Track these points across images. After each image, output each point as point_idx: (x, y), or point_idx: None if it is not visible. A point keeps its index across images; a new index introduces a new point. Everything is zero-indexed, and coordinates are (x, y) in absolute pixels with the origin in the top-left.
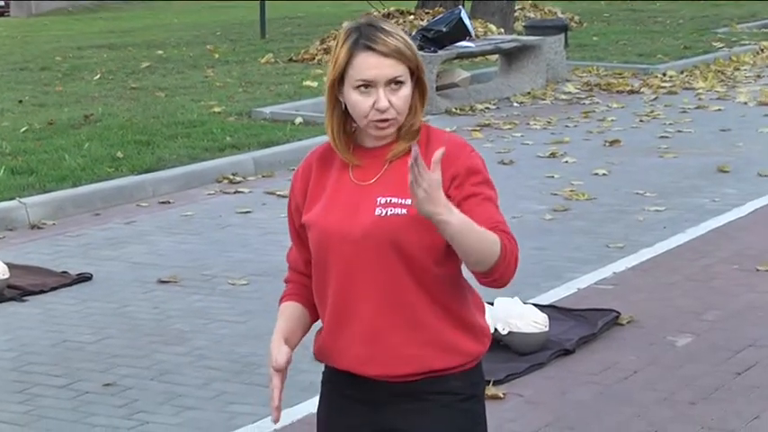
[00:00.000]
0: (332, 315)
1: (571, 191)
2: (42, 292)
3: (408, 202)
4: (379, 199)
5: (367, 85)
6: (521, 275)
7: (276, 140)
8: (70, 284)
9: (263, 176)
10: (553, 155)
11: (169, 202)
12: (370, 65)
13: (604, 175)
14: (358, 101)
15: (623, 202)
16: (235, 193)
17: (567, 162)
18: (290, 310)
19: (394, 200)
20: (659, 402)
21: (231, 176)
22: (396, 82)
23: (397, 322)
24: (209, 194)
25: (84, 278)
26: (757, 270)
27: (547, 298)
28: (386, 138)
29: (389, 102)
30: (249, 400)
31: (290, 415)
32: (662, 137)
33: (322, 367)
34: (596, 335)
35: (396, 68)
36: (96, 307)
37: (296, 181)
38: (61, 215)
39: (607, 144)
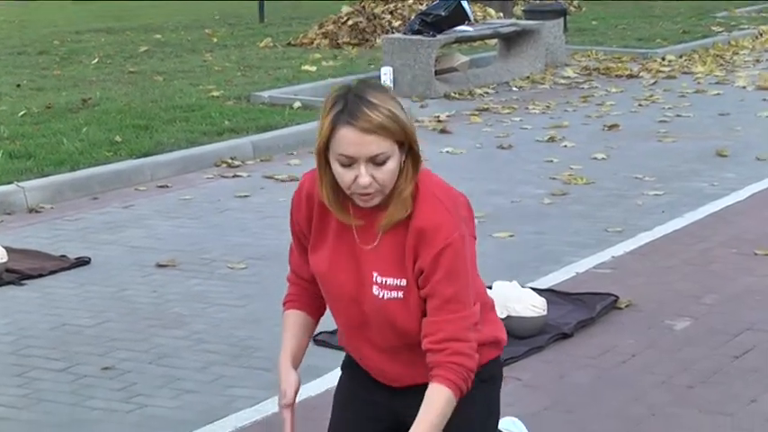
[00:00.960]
0: (344, 336)
1: (570, 175)
2: (41, 275)
3: (404, 282)
4: (375, 276)
5: (349, 159)
6: (519, 259)
7: (275, 124)
8: (68, 268)
9: (262, 160)
10: (552, 139)
11: (167, 186)
12: (350, 141)
13: (603, 159)
14: (339, 173)
15: (622, 186)
16: (233, 177)
17: (565, 146)
18: (294, 320)
19: (389, 281)
20: (657, 386)
21: (230, 160)
22: (379, 159)
23: (398, 368)
24: (208, 178)
25: (82, 262)
26: (755, 254)
27: (545, 282)
28: (373, 203)
29: (372, 176)
30: (248, 384)
31: None
32: (661, 121)
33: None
34: (594, 319)
35: (379, 145)
36: (95, 291)
37: (298, 207)
38: (59, 199)
39: (606, 128)
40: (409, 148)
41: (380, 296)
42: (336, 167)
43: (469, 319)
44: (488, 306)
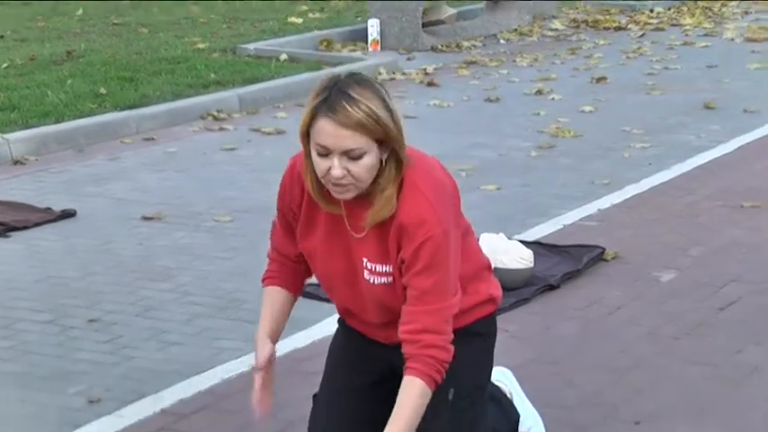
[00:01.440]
0: (339, 309)
1: (557, 128)
2: (26, 228)
3: (390, 269)
4: (365, 262)
5: (325, 149)
6: (507, 212)
7: (261, 77)
8: (54, 221)
9: (248, 113)
10: (539, 92)
11: (153, 139)
12: (327, 132)
13: (590, 112)
14: (316, 161)
15: (609, 139)
16: (219, 129)
17: (553, 99)
18: (274, 297)
19: (378, 267)
20: (643, 337)
21: (216, 113)
22: (354, 153)
23: (394, 335)
24: (194, 131)
25: (67, 214)
26: (742, 206)
27: (532, 234)
28: (347, 196)
29: (347, 169)
30: (233, 336)
31: (277, 349)
32: (649, 74)
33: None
34: (581, 271)
35: (355, 140)
36: (80, 243)
37: (289, 188)
38: (44, 151)
39: (594, 81)
40: (393, 150)
41: (371, 281)
42: (314, 155)
43: (446, 312)
44: (485, 266)
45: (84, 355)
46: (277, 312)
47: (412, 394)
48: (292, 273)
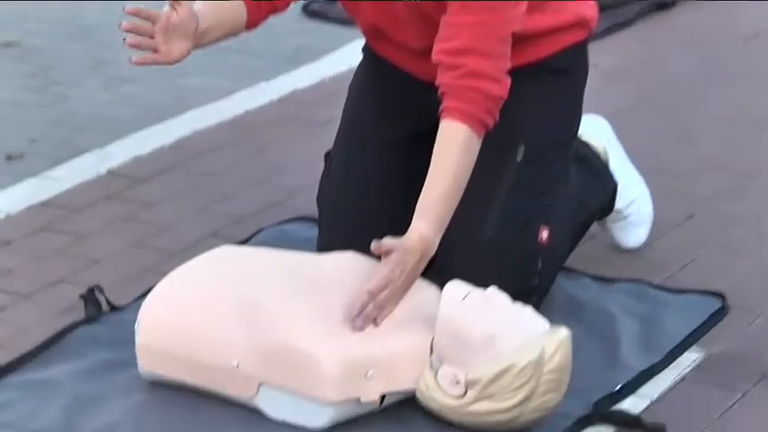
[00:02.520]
0: (369, 39)
1: None
2: None
3: None
4: None
5: None
6: None
7: None
8: None
9: None
10: None
11: None
12: None
13: None
14: None
15: None
16: None
17: None
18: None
19: None
20: None
21: None
22: None
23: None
24: None
25: None
26: None
27: None
28: None
29: None
30: (209, 71)
31: (269, 91)
32: None
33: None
34: None
35: None
36: None
37: None
38: None
39: None
40: None
41: None
42: None
43: (501, 27)
44: None
45: (1, 94)
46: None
47: (453, 143)
48: None
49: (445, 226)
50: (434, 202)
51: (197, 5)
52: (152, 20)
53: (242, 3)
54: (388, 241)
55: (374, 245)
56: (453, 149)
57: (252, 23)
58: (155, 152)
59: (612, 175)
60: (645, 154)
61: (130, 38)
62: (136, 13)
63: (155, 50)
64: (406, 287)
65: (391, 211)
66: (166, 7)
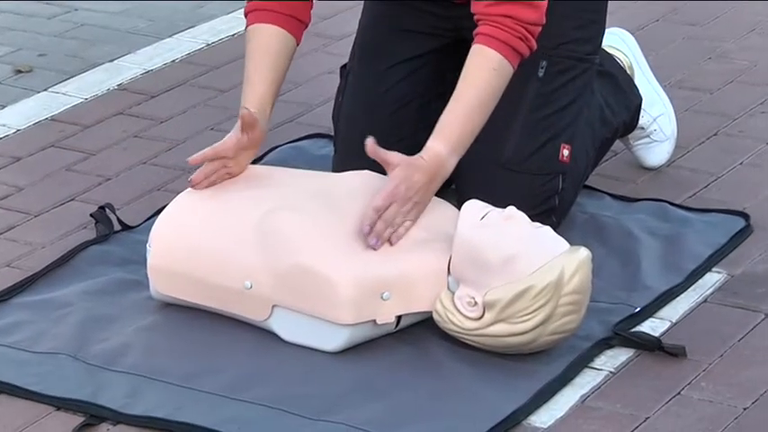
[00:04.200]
0: None
1: None
2: None
3: None
4: None
5: None
6: None
7: None
8: None
9: None
10: None
11: None
12: None
13: None
14: None
15: None
16: None
17: None
18: (266, 43)
19: None
20: None
21: None
22: None
23: None
24: None
25: None
26: None
27: None
28: None
29: None
30: None
31: None
32: None
33: None
34: None
35: None
36: None
37: None
38: None
39: None
40: None
41: None
42: None
43: None
44: None
45: (9, 6)
46: (272, 75)
47: (482, 68)
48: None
49: (463, 149)
50: (452, 124)
51: (258, 99)
52: (220, 157)
53: (284, 34)
54: (393, 155)
55: (369, 143)
56: (481, 74)
57: (299, 41)
58: (166, 67)
59: (637, 91)
60: (670, 69)
61: (203, 184)
62: (201, 161)
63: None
64: (419, 206)
65: (407, 128)
66: (235, 131)
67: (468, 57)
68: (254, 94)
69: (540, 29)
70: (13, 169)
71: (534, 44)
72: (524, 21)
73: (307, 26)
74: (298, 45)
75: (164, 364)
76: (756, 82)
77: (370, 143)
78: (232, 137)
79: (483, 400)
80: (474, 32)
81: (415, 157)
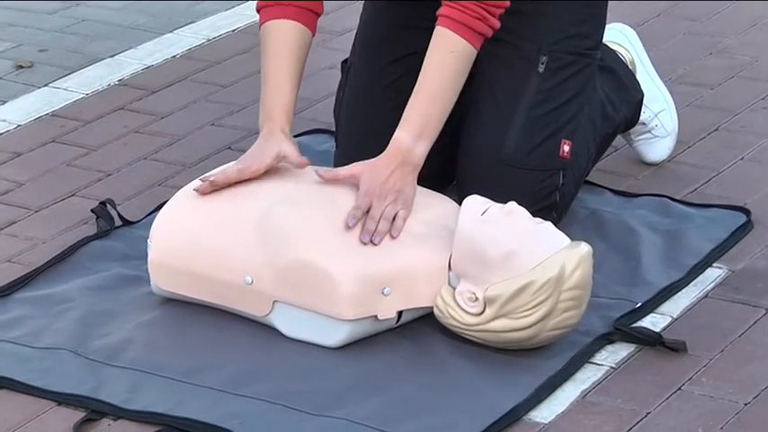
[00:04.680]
0: None
1: None
2: None
3: None
4: None
5: None
6: None
7: None
8: None
9: None
10: None
11: None
12: None
13: None
14: None
15: None
16: None
17: None
18: (283, 39)
19: None
20: None
21: None
22: None
23: None
24: None
25: None
26: None
27: None
28: None
29: None
30: None
31: None
32: None
33: None
34: None
35: None
36: None
37: None
38: None
39: None
40: None
41: None
42: None
43: None
44: None
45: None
46: (291, 73)
47: (441, 51)
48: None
49: (433, 133)
50: (414, 111)
51: (282, 112)
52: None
53: (300, 28)
54: (352, 167)
55: (320, 174)
56: (440, 58)
57: (315, 33)
58: (167, 62)
59: (639, 86)
60: (671, 65)
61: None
62: (225, 185)
63: None
64: (402, 193)
65: None
66: (264, 156)
67: (432, 39)
68: (282, 96)
69: (502, 10)
70: (14, 164)
71: (497, 23)
72: (492, 4)
73: (319, 16)
74: (313, 36)
75: (165, 359)
76: (757, 77)
77: (321, 173)
78: (263, 162)
79: (484, 396)
80: (437, 13)
81: (379, 156)
